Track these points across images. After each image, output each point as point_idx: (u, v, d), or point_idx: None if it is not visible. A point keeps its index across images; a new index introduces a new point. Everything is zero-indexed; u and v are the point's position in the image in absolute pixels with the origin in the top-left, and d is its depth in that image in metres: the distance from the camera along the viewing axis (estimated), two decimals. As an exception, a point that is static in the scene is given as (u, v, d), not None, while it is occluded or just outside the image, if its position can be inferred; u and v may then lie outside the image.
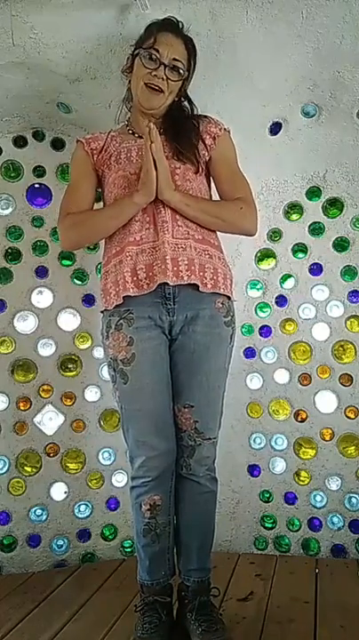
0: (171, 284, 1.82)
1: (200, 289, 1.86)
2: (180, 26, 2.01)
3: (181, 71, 1.95)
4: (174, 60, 1.93)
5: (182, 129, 2.00)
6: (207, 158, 2.01)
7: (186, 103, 2.06)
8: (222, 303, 1.92)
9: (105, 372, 2.49)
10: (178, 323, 1.88)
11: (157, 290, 1.84)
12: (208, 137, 2.00)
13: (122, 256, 1.88)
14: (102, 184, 2.04)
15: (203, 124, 2.02)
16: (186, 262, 1.85)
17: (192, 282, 1.84)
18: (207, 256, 1.91)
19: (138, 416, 1.89)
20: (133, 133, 2.03)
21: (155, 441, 1.88)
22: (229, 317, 1.95)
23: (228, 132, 2.05)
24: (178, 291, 1.85)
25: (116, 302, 1.87)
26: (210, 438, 1.93)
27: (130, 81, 2.03)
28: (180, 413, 1.92)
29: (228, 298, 1.96)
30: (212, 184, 2.08)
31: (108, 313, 1.92)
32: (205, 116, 2.05)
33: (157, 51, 1.92)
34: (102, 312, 1.98)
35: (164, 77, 1.92)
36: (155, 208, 1.89)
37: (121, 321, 1.87)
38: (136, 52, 1.98)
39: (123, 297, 1.85)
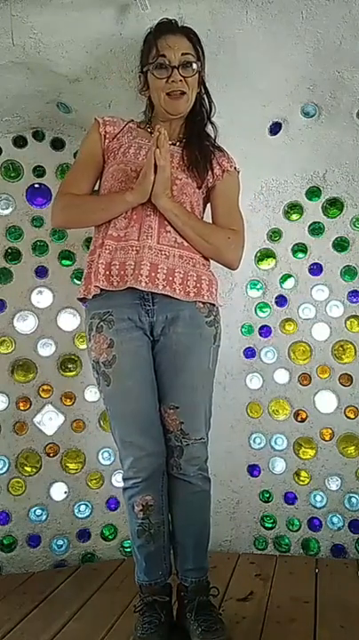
0: (142, 289, 1.82)
1: (182, 298, 1.86)
2: (174, 22, 2.00)
3: (194, 64, 1.95)
4: (183, 55, 1.93)
5: (200, 145, 2.00)
6: (210, 185, 2.01)
7: (204, 97, 2.05)
8: (204, 304, 1.92)
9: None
10: (158, 323, 1.88)
11: (135, 290, 1.84)
12: (218, 167, 2.01)
13: (103, 249, 1.89)
14: (102, 169, 2.03)
15: (218, 154, 2.03)
16: (165, 271, 1.85)
17: (166, 293, 1.84)
18: (191, 264, 1.91)
19: (123, 417, 1.90)
20: (151, 133, 2.02)
21: (141, 441, 1.88)
22: (212, 317, 1.94)
23: (238, 172, 2.06)
24: (156, 294, 1.85)
25: (95, 292, 1.87)
26: (196, 439, 1.92)
27: (149, 97, 2.04)
28: (166, 414, 1.92)
29: (212, 304, 1.95)
30: (208, 209, 2.08)
31: (90, 315, 1.93)
32: (222, 149, 2.05)
33: (164, 56, 1.92)
34: (81, 300, 1.98)
35: (181, 79, 1.92)
36: (144, 211, 1.89)
37: (101, 323, 1.88)
38: (145, 68, 1.98)
39: (102, 290, 1.86)
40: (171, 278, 1.86)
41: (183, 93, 1.94)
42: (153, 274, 1.84)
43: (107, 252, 1.88)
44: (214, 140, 2.06)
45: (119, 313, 1.86)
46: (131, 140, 2.01)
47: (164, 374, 1.91)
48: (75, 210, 2.01)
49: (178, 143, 2.02)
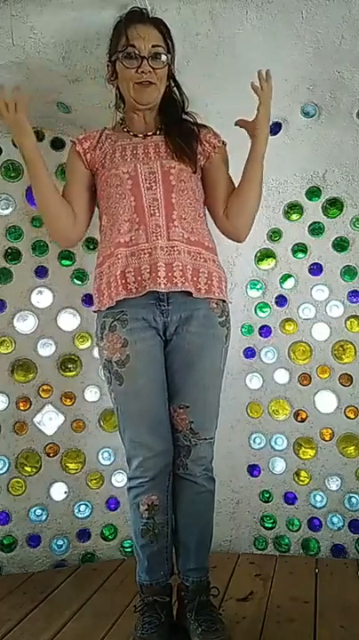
0: (163, 291, 1.83)
1: (194, 295, 1.87)
2: (145, 12, 1.99)
3: (164, 57, 1.94)
4: (153, 47, 1.92)
5: (183, 130, 2.00)
6: (202, 164, 2.01)
7: (175, 90, 2.04)
8: (216, 304, 1.92)
9: (104, 373, 2.49)
10: (172, 323, 1.88)
11: (152, 292, 1.84)
12: (207, 145, 2.01)
13: (114, 258, 1.88)
14: (96, 182, 2.03)
15: (202, 132, 2.02)
16: (180, 268, 1.85)
17: (185, 289, 1.84)
18: (202, 260, 1.91)
19: (134, 417, 1.89)
20: (128, 132, 2.02)
21: (151, 441, 1.88)
22: (224, 317, 1.94)
23: (225, 145, 2.05)
24: (171, 293, 1.85)
25: (109, 304, 1.87)
26: (206, 438, 1.93)
27: (117, 87, 2.03)
28: (176, 414, 1.92)
29: (223, 301, 1.96)
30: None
31: (102, 314, 1.92)
32: (205, 126, 2.05)
33: (134, 46, 1.90)
34: (95, 312, 1.98)
35: (151, 69, 1.91)
36: (148, 210, 1.88)
37: (115, 322, 1.87)
38: (113, 57, 1.97)
39: (116, 300, 1.86)
40: (187, 275, 1.86)
41: (152, 83, 1.93)
42: (169, 274, 1.83)
43: (119, 260, 1.87)
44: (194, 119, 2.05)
45: (133, 313, 1.86)
46: (113, 145, 2.00)
47: (176, 373, 1.91)
48: (42, 213, 2.03)
49: (158, 132, 2.02)
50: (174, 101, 2.04)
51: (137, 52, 1.90)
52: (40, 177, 1.96)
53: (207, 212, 2.06)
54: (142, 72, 1.90)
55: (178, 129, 1.99)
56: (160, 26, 1.97)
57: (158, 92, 1.96)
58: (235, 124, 1.98)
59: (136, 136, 2.01)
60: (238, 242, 2.09)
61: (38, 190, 1.98)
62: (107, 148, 1.99)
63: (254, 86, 1.92)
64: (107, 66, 2.01)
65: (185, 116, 2.05)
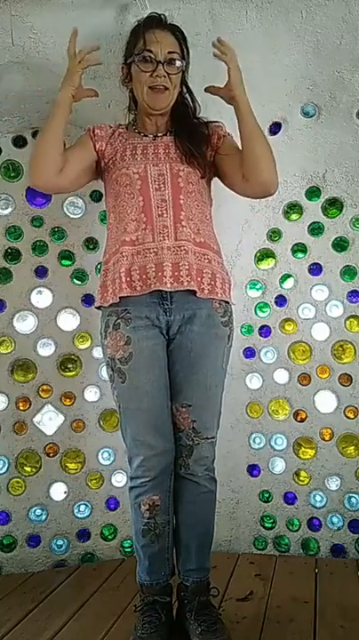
0: (168, 290, 1.83)
1: (197, 294, 1.87)
2: (163, 17, 2.00)
3: (178, 62, 1.96)
4: (169, 53, 1.94)
5: (193, 133, 2.01)
6: (212, 159, 2.02)
7: (187, 96, 2.06)
8: (219, 304, 1.93)
9: (104, 372, 2.48)
10: (175, 322, 1.88)
11: (154, 291, 1.84)
12: (215, 137, 2.03)
13: (119, 255, 1.89)
14: (104, 179, 2.04)
15: (211, 127, 2.04)
16: (186, 267, 1.85)
17: (191, 288, 1.85)
18: (206, 260, 1.92)
19: (135, 415, 1.90)
20: (139, 132, 2.04)
21: (153, 440, 1.88)
22: (227, 317, 1.95)
23: (231, 136, 2.06)
24: (175, 292, 1.86)
25: (112, 301, 1.88)
26: (208, 438, 1.93)
27: (131, 90, 2.04)
28: (178, 413, 1.92)
29: (226, 302, 1.96)
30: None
31: (106, 312, 1.93)
32: (213, 121, 2.06)
33: (150, 51, 1.92)
34: (98, 308, 1.99)
35: (165, 74, 1.93)
36: (156, 210, 1.89)
37: (118, 320, 1.88)
38: (129, 60, 1.98)
39: (119, 297, 1.86)
40: (193, 273, 1.86)
41: (166, 89, 1.95)
42: (176, 273, 1.84)
43: (125, 258, 1.87)
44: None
45: (137, 311, 1.87)
46: (124, 144, 2.01)
47: (179, 373, 1.91)
48: (36, 150, 1.99)
49: (168, 133, 2.03)
50: (186, 107, 2.06)
51: (153, 57, 1.92)
52: (56, 118, 1.98)
53: (230, 188, 2.06)
54: (157, 76, 1.92)
55: (188, 132, 2.01)
56: (177, 32, 1.99)
57: (171, 97, 1.98)
58: (206, 91, 1.99)
59: (146, 136, 2.02)
60: (269, 194, 2.02)
61: (47, 128, 1.98)
62: (119, 146, 2.01)
63: (217, 54, 1.94)
64: (122, 68, 2.03)
65: (195, 121, 2.06)
